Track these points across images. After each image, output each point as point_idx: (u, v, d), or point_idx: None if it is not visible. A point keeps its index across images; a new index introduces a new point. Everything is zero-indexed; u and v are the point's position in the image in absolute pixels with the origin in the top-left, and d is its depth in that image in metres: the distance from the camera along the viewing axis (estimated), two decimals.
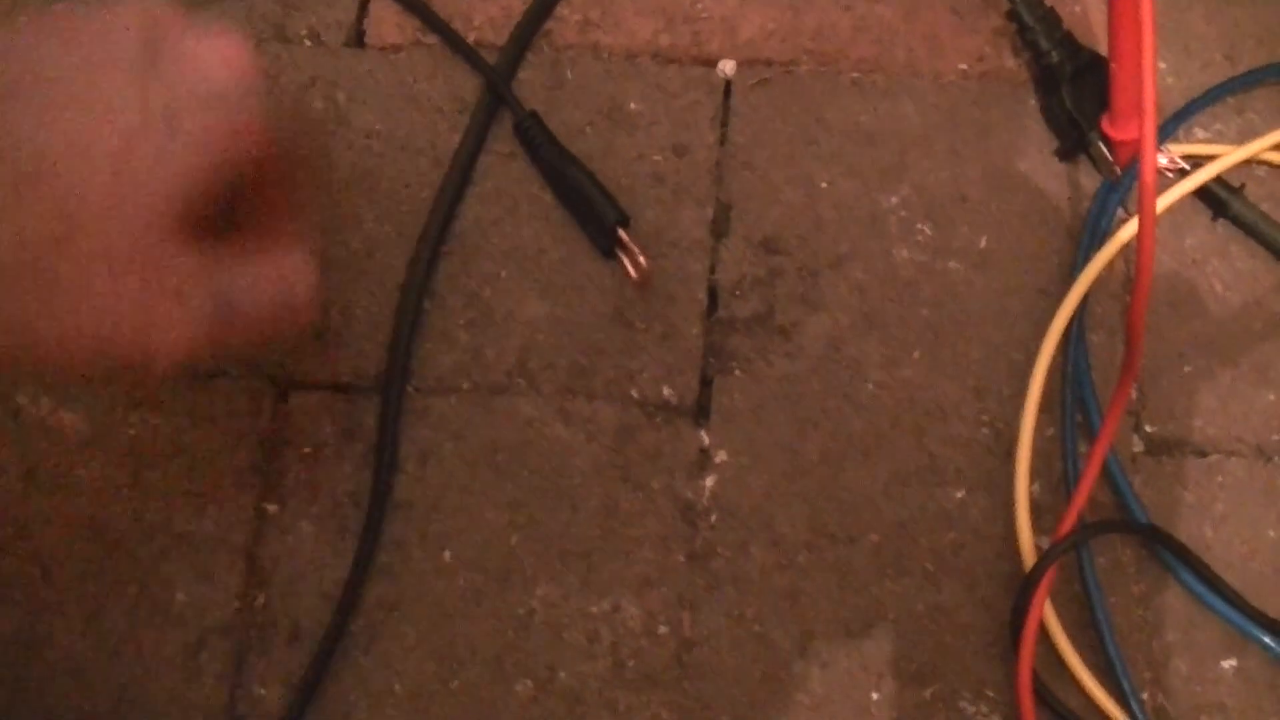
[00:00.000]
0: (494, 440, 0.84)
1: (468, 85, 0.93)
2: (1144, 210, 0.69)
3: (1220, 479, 0.83)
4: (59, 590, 0.82)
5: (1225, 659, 0.80)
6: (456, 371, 0.85)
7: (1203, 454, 0.83)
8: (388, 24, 0.96)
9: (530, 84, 0.93)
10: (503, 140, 0.92)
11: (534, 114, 0.90)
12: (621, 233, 0.86)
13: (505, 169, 0.90)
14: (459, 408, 0.85)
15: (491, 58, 0.93)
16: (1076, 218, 0.89)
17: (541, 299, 0.87)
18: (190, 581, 0.82)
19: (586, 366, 0.85)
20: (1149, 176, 0.69)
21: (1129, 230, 0.85)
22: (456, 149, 0.90)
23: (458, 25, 0.95)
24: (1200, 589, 0.79)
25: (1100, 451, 0.78)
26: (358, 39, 0.96)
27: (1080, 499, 0.78)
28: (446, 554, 0.83)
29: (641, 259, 0.85)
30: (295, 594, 0.82)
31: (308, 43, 0.96)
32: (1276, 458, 0.83)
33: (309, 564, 0.83)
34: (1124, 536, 0.81)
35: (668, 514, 0.82)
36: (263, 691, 0.81)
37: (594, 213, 0.87)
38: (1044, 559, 0.77)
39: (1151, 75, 0.70)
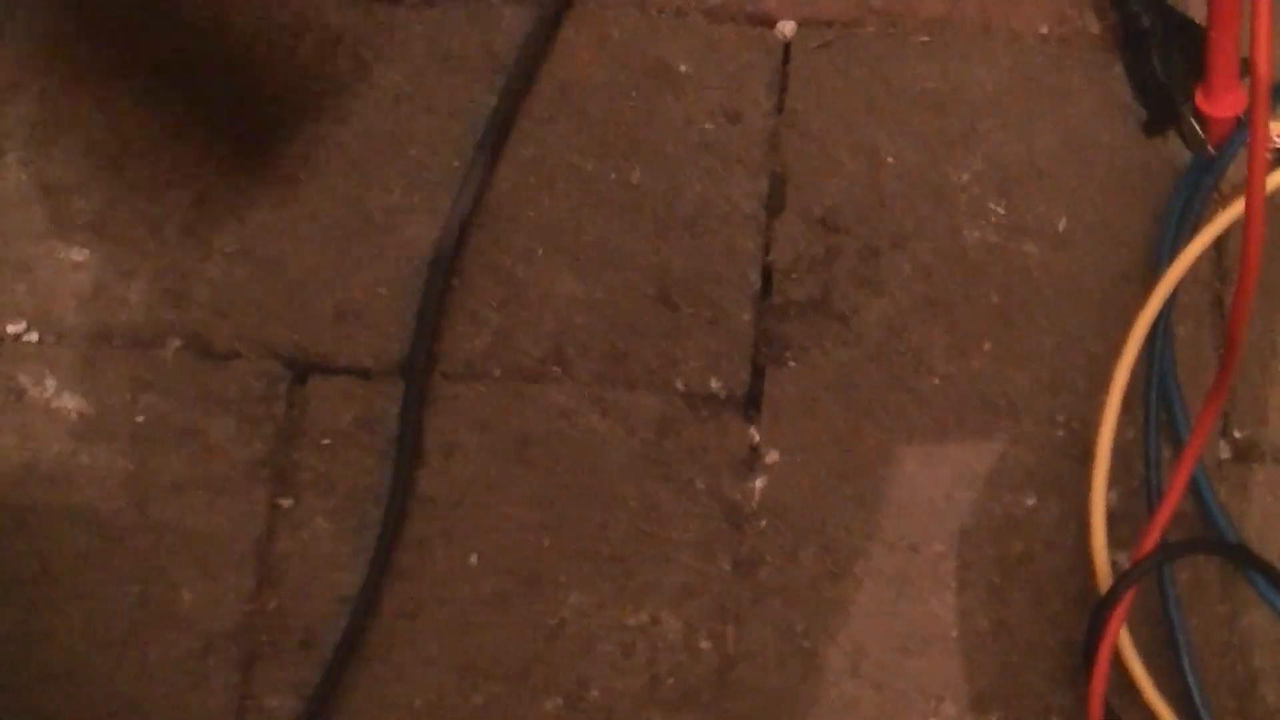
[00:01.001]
0: (525, 432, 0.79)
1: (504, 43, 0.86)
2: (1252, 205, 0.62)
3: None
4: (58, 587, 0.77)
5: None
6: (486, 356, 0.80)
7: None
8: None
9: (572, 43, 0.87)
10: (541, 102, 0.85)
11: None
12: None
13: (543, 135, 0.84)
14: (488, 396, 0.80)
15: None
16: (1164, 198, 0.82)
17: (579, 278, 0.81)
18: (197, 581, 0.77)
19: (626, 353, 0.79)
20: (1258, 173, 0.61)
21: (1225, 216, 0.78)
22: (492, 111, 0.84)
23: None
24: None
25: (1189, 462, 0.72)
26: None
27: (1164, 514, 0.72)
28: (473, 557, 0.78)
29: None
30: (309, 597, 0.77)
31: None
32: None
33: (324, 564, 0.77)
34: (1209, 556, 0.74)
35: (712, 516, 0.77)
36: (274, 702, 0.76)
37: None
38: (1122, 581, 0.70)
39: (1267, 44, 0.62)
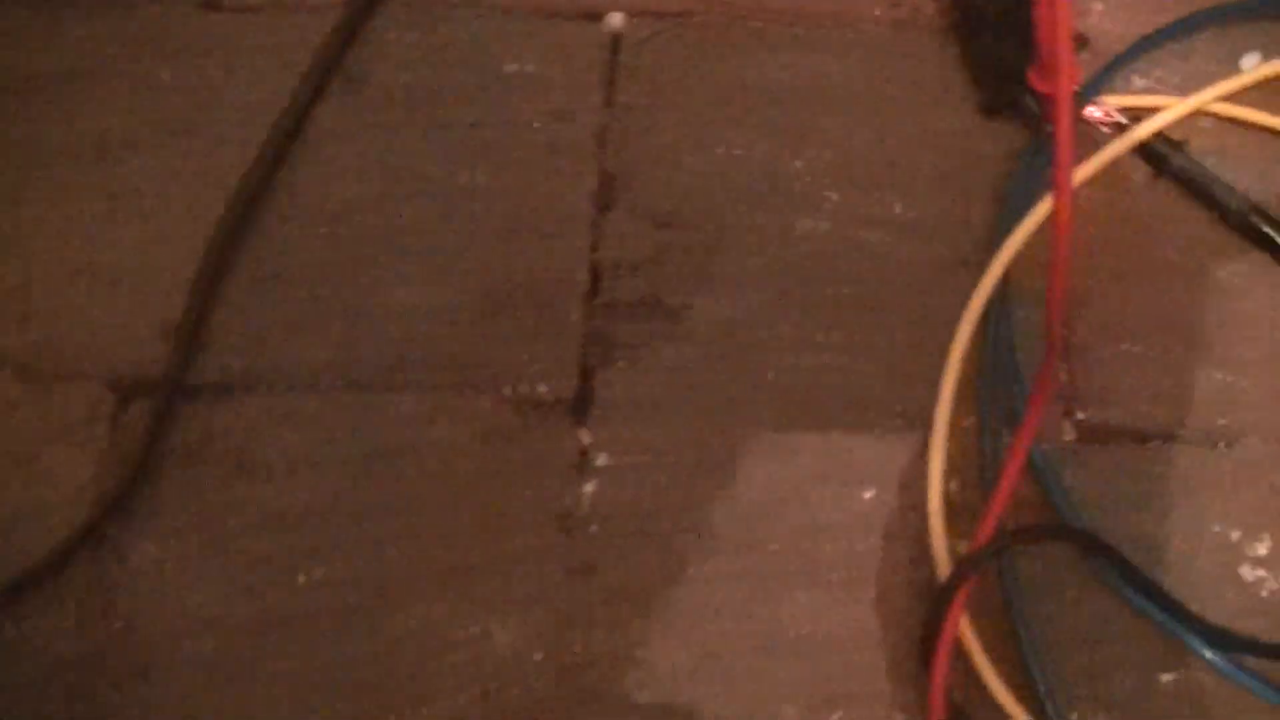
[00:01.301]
0: (366, 445, 0.77)
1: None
2: (1060, 181, 0.61)
3: (1160, 469, 0.75)
4: None
5: (1165, 672, 0.72)
6: (326, 369, 0.78)
7: (1143, 440, 0.75)
8: None
9: (397, 44, 0.85)
10: (372, 107, 0.84)
11: None
12: None
13: (375, 140, 0.83)
14: (329, 409, 0.78)
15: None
16: (1003, 179, 0.81)
17: (419, 284, 0.79)
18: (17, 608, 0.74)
19: (460, 360, 0.78)
20: (1065, 144, 0.59)
21: None
22: (285, 108, 0.84)
23: None
24: (1137, 598, 0.70)
25: (1022, 445, 0.70)
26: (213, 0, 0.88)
27: (999, 501, 0.70)
28: (316, 574, 0.75)
29: None
30: (161, 616, 0.74)
31: (159, 7, 0.88)
32: (1223, 444, 0.74)
33: (172, 588, 0.75)
34: (1051, 542, 0.72)
35: (544, 524, 0.75)
36: None
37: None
38: (956, 572, 0.69)
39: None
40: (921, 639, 0.70)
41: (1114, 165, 0.79)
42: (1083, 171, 0.78)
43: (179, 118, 0.85)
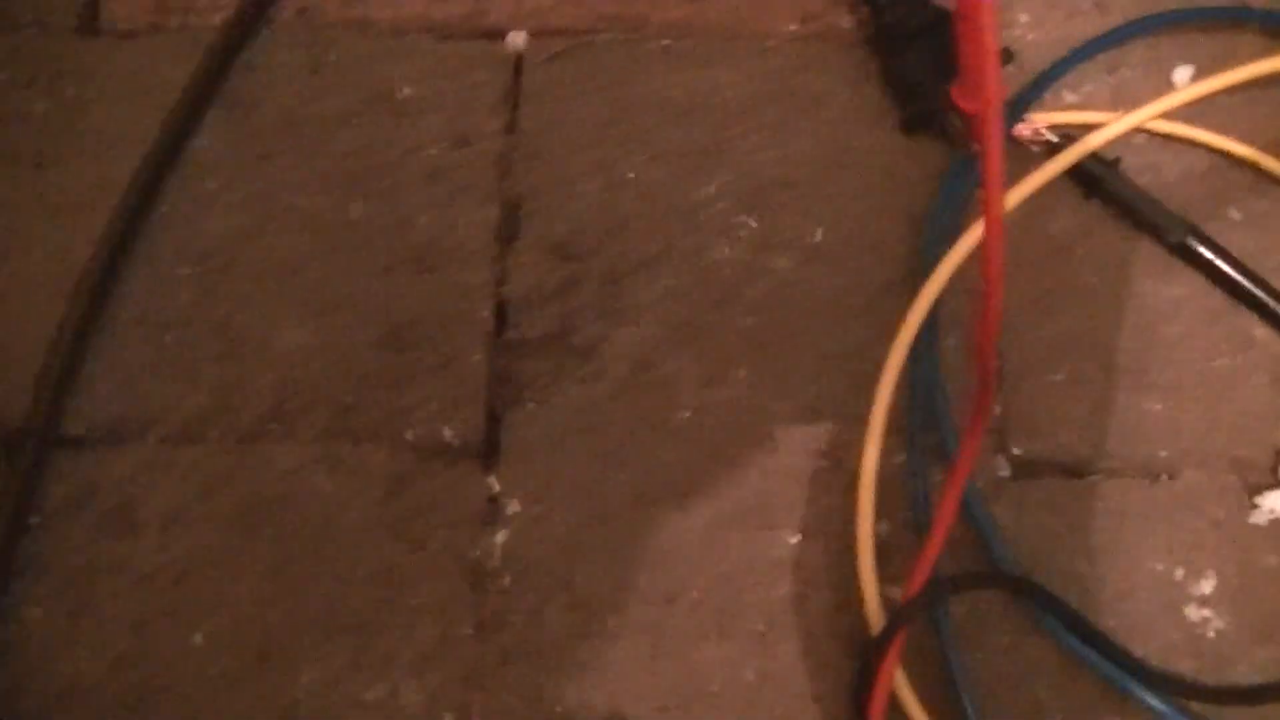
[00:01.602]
0: (248, 497, 0.72)
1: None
2: (990, 205, 0.56)
3: (1099, 504, 0.72)
4: None
5: (1105, 718, 0.69)
6: (204, 417, 0.73)
7: (1078, 475, 0.72)
8: (122, 4, 0.82)
9: (286, 67, 0.81)
10: (255, 137, 0.80)
11: None
12: None
13: (258, 171, 0.79)
14: (207, 459, 0.73)
15: None
16: (925, 200, 0.78)
17: (301, 326, 0.75)
18: None
19: (352, 405, 0.73)
20: (994, 168, 0.55)
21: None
22: (158, 137, 0.79)
23: (202, 3, 0.81)
24: (1075, 642, 0.67)
25: (955, 487, 0.67)
26: (90, 24, 0.84)
27: (933, 547, 0.67)
28: (198, 636, 0.69)
29: None
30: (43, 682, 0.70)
31: (32, 30, 0.84)
32: (1164, 476, 0.71)
33: (53, 653, 0.70)
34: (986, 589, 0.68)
35: (451, 576, 0.71)
36: None
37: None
38: (890, 626, 0.65)
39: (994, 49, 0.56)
40: (854, 692, 0.66)
41: (1044, 187, 0.75)
42: (1012, 195, 0.74)
43: (44, 150, 0.80)
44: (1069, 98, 0.80)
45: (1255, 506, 0.71)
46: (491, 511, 0.72)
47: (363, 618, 0.70)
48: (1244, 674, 0.69)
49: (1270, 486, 0.71)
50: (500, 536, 0.71)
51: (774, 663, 0.69)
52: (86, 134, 0.81)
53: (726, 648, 0.70)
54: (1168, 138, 0.78)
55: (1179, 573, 0.70)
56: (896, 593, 0.69)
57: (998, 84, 0.56)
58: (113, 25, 0.84)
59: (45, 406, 0.73)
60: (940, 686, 0.68)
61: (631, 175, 0.78)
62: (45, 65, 0.82)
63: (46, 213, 0.79)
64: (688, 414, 0.73)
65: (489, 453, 0.73)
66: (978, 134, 0.72)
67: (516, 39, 0.81)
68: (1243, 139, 0.78)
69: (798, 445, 0.73)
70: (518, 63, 0.82)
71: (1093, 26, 0.81)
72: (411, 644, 0.70)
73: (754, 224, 0.77)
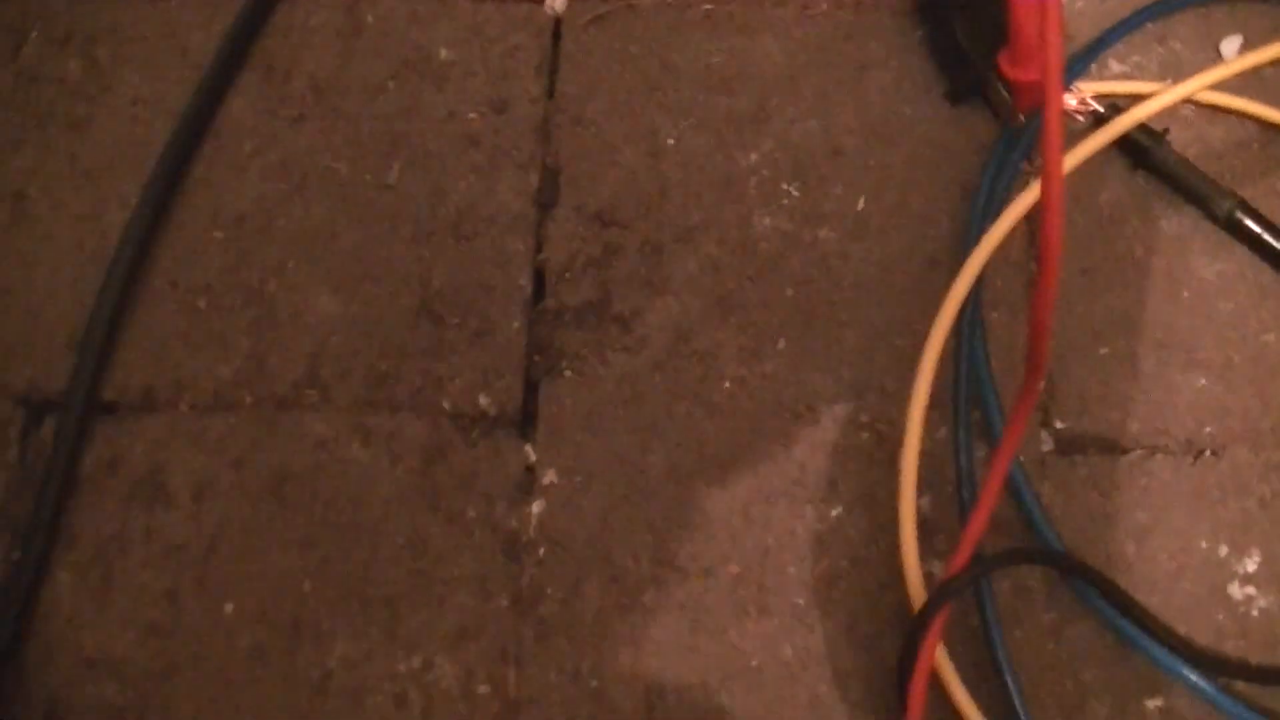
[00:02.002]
0: (281, 466, 0.71)
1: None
2: (1049, 183, 0.55)
3: (1144, 481, 0.71)
4: None
5: (1149, 698, 0.68)
6: (235, 384, 0.73)
7: (1123, 451, 0.71)
8: None
9: (321, 29, 0.80)
10: (290, 100, 0.79)
11: None
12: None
13: (292, 136, 0.78)
14: (240, 428, 0.72)
15: None
16: (972, 172, 0.76)
17: (335, 293, 0.74)
18: None
19: (388, 373, 0.72)
20: (1054, 144, 0.54)
21: (1035, 191, 0.71)
22: (191, 101, 0.79)
23: None
24: (1120, 621, 0.66)
25: (1001, 465, 0.66)
26: None
27: (978, 524, 0.66)
28: (229, 607, 0.69)
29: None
30: (69, 653, 0.69)
31: None
32: (1209, 453, 0.70)
33: (79, 623, 0.70)
34: (1031, 565, 0.67)
35: (487, 548, 0.70)
36: None
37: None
38: (933, 601, 0.64)
39: (1057, 24, 0.55)
40: (896, 669, 0.65)
41: (1091, 157, 0.74)
42: None
43: (77, 111, 0.80)
44: (1116, 68, 0.79)
45: None
46: (527, 482, 0.71)
47: (397, 590, 0.70)
48: None
49: None
50: (536, 507, 0.71)
51: (814, 639, 0.69)
52: (119, 96, 0.80)
53: (766, 623, 0.69)
54: (1216, 109, 0.77)
55: (1223, 551, 0.70)
56: (939, 569, 0.69)
57: (1059, 51, 0.55)
58: None
59: (85, 371, 0.72)
60: (983, 665, 0.67)
61: (672, 142, 0.77)
62: (78, 26, 0.82)
63: (79, 175, 0.78)
64: (727, 384, 0.73)
65: (526, 422, 0.72)
66: (1025, 104, 0.71)
67: (556, 2, 0.80)
68: None
69: (839, 419, 0.72)
70: (557, 26, 0.81)
71: None
72: (447, 617, 0.69)
73: (796, 194, 0.76)
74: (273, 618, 0.69)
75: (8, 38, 0.81)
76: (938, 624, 0.65)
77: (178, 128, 0.77)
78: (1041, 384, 0.69)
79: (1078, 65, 0.77)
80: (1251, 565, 0.69)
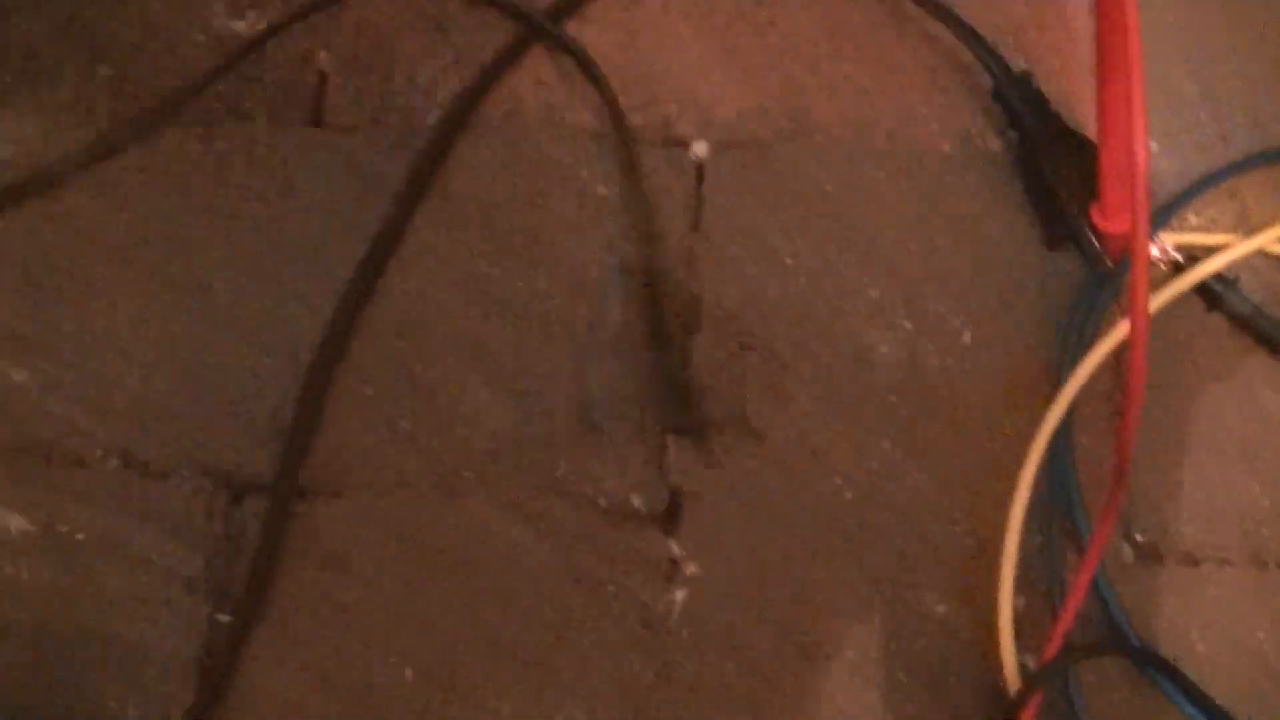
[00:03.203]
0: (449, 544, 0.82)
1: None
2: (1135, 331, 0.65)
3: (1211, 588, 0.79)
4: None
5: None
6: (413, 472, 0.82)
7: (1194, 563, 0.80)
8: (346, 100, 0.92)
9: (491, 164, 0.90)
10: (462, 222, 0.89)
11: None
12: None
13: (461, 251, 0.88)
14: (414, 510, 0.82)
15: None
16: (1064, 309, 0.85)
17: (502, 395, 0.84)
18: (136, 695, 0.79)
19: (548, 469, 0.82)
20: (1139, 330, 0.64)
21: (1120, 331, 0.80)
22: (383, 221, 0.89)
23: (417, 102, 0.91)
24: (1192, 709, 0.75)
25: (1087, 568, 0.75)
26: (315, 117, 0.92)
27: (1066, 620, 0.75)
28: (401, 665, 0.80)
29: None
30: (254, 702, 0.79)
31: (264, 121, 0.93)
32: (1273, 565, 0.79)
33: (263, 677, 0.79)
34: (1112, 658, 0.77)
35: (631, 626, 0.79)
36: None
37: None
38: (1027, 685, 0.74)
39: (1144, 189, 0.65)
40: None
41: (1172, 300, 0.83)
42: None
43: (276, 227, 0.90)
44: (1194, 220, 0.87)
45: None
46: (671, 571, 0.80)
47: (549, 657, 0.79)
48: None
49: None
50: (680, 594, 0.80)
51: (914, 712, 0.77)
52: (312, 215, 0.89)
53: (871, 696, 0.78)
54: None
55: None
56: (1031, 660, 0.77)
57: (1145, 209, 0.65)
58: (336, 120, 0.93)
59: (291, 459, 0.82)
60: None
61: (800, 272, 0.86)
62: (276, 152, 0.91)
63: (280, 284, 0.87)
64: (850, 494, 0.82)
65: (672, 519, 0.81)
66: (1114, 251, 0.81)
67: (700, 147, 0.89)
68: None
69: (948, 525, 0.81)
70: (700, 168, 0.89)
71: (1217, 156, 0.89)
72: (588, 680, 0.78)
73: (905, 318, 0.85)
74: (437, 675, 0.79)
75: (215, 161, 0.91)
76: (1031, 708, 0.74)
77: (368, 246, 0.86)
78: (1124, 499, 0.79)
79: (1160, 218, 0.86)
80: None
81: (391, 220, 0.87)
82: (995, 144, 0.90)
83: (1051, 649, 0.75)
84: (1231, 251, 0.84)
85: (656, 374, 0.83)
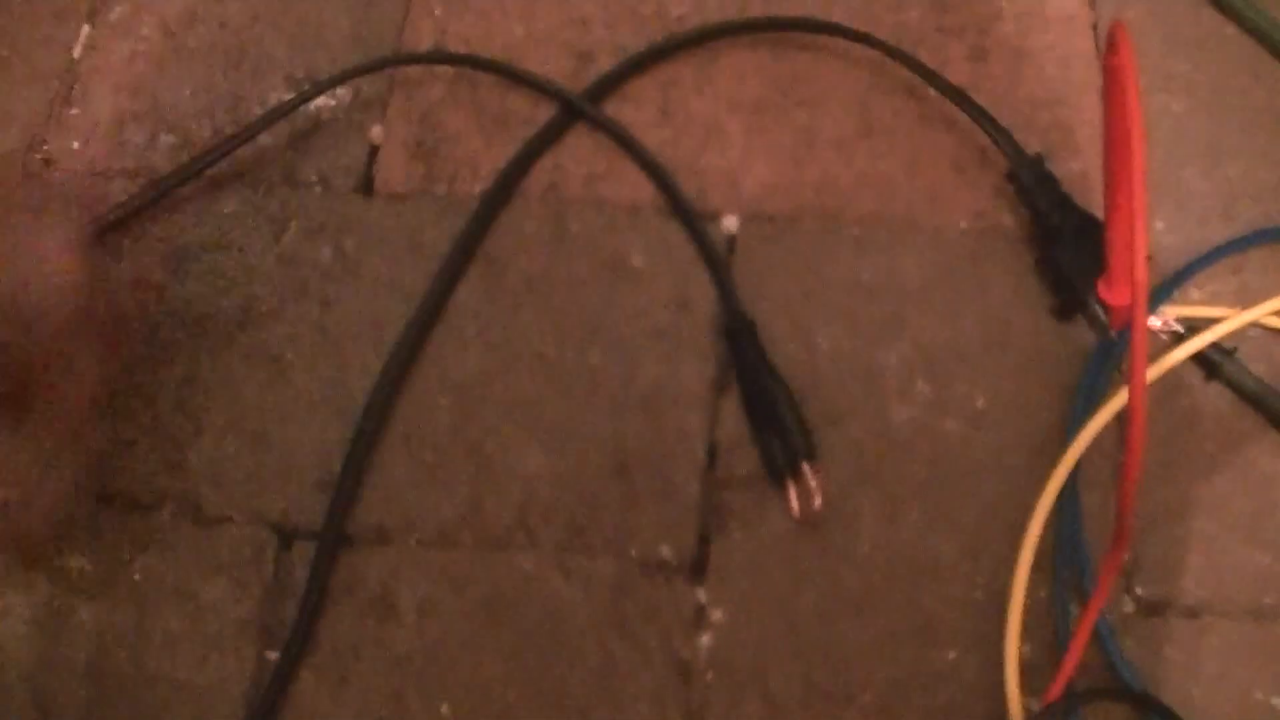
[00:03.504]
0: (492, 594, 0.86)
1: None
2: (1135, 396, 0.70)
3: (1211, 641, 0.83)
4: None
5: None
6: (456, 524, 0.87)
7: (1194, 615, 0.84)
8: (396, 171, 0.97)
9: (535, 236, 0.95)
10: (507, 292, 0.94)
11: (750, 322, 0.92)
12: (806, 467, 0.88)
13: (510, 321, 0.93)
14: (458, 560, 0.86)
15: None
16: (1073, 377, 0.89)
17: (542, 452, 0.88)
18: None
19: (585, 523, 0.86)
20: (1138, 395, 0.69)
21: (1123, 397, 0.85)
22: (429, 286, 0.94)
23: (464, 174, 0.96)
24: None
25: (1090, 619, 0.79)
26: (366, 185, 0.97)
27: (1069, 665, 0.79)
28: (445, 708, 0.83)
29: (816, 500, 0.87)
30: None
31: (318, 189, 0.96)
32: (1267, 620, 0.83)
33: (308, 716, 0.83)
34: (1113, 702, 0.81)
35: (663, 671, 0.83)
36: None
37: (784, 437, 0.89)
38: None
39: (1144, 263, 0.70)
40: None
41: (1171, 368, 0.88)
42: (1147, 375, 0.87)
43: (328, 291, 0.96)
44: (1195, 294, 0.92)
45: None
46: (698, 618, 0.85)
47: (588, 701, 0.83)
48: None
49: None
50: (706, 640, 0.84)
51: None
52: (363, 280, 0.95)
53: None
54: (1277, 332, 0.91)
55: (1275, 701, 0.82)
56: (1036, 705, 0.81)
57: (1144, 284, 0.70)
58: (386, 188, 0.98)
59: (339, 507, 0.87)
60: None
61: (824, 342, 0.91)
62: (329, 219, 0.97)
63: (329, 344, 0.93)
64: (866, 548, 0.86)
65: (698, 569, 0.86)
66: (1118, 322, 0.86)
67: (730, 222, 0.95)
68: None
69: (959, 577, 0.85)
70: (731, 242, 0.95)
71: (1220, 232, 0.93)
72: None
73: (927, 390, 0.89)
74: (476, 717, 0.83)
75: (271, 227, 0.97)
76: None
77: (415, 310, 0.91)
78: (1126, 554, 0.83)
79: (1163, 292, 0.90)
80: None
81: (437, 285, 0.92)
82: (1009, 221, 0.94)
83: (1054, 691, 0.79)
84: (1228, 323, 0.89)
85: (776, 408, 0.87)
